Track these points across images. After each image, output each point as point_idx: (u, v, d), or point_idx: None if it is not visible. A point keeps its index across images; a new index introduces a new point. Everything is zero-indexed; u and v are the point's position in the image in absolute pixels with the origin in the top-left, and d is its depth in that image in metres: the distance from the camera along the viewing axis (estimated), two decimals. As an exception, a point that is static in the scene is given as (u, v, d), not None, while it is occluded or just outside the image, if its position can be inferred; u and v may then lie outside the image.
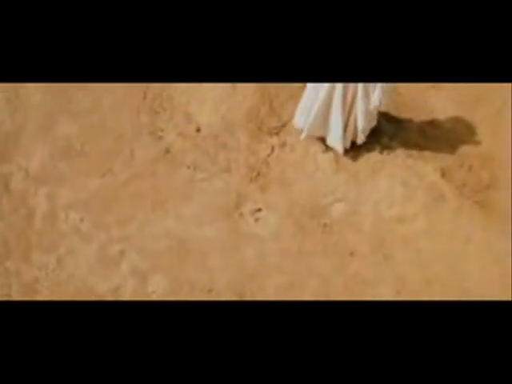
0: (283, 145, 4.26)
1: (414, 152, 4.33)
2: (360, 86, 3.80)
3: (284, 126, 4.28)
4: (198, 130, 4.40)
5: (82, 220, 4.23)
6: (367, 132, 4.09)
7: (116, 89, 4.60)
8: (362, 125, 3.94)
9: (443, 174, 4.29)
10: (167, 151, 4.34)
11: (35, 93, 4.71)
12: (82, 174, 4.38)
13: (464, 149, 4.43)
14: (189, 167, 4.27)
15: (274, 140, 4.27)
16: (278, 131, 4.28)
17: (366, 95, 3.82)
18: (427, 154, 4.38)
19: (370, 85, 3.81)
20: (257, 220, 4.12)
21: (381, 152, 4.25)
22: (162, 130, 4.42)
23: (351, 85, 3.81)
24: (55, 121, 4.59)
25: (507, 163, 4.40)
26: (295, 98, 4.29)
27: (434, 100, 4.58)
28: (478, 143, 4.45)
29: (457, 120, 4.52)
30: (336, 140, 4.05)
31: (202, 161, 4.29)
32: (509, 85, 4.62)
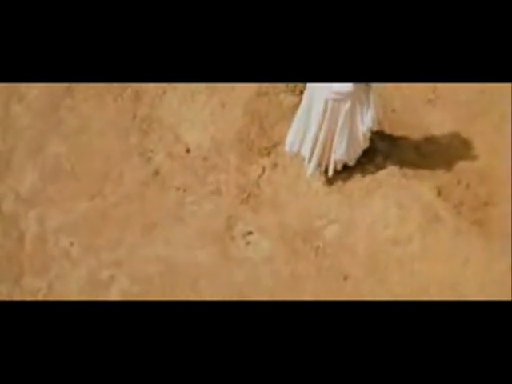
0: (274, 166, 4.16)
1: (409, 171, 4.22)
2: (350, 109, 3.66)
3: (275, 146, 4.18)
4: (188, 151, 4.31)
5: (71, 244, 4.20)
6: (359, 153, 3.97)
7: (105, 110, 4.54)
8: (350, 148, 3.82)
9: (439, 193, 4.17)
10: (156, 173, 4.26)
11: (26, 113, 4.67)
12: (71, 196, 4.33)
13: (461, 165, 4.31)
14: (178, 189, 4.20)
15: (265, 161, 4.17)
16: (268, 152, 4.18)
17: (359, 116, 3.69)
18: (423, 172, 4.26)
19: (363, 106, 3.68)
20: (248, 243, 4.04)
21: (375, 172, 4.14)
22: (152, 151, 4.35)
23: (343, 109, 3.66)
24: (45, 142, 4.54)
25: (506, 179, 4.27)
26: (286, 118, 4.20)
27: (431, 116, 4.45)
28: (475, 159, 4.33)
29: (453, 135, 4.40)
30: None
31: (191, 182, 4.21)
32: (508, 99, 4.51)
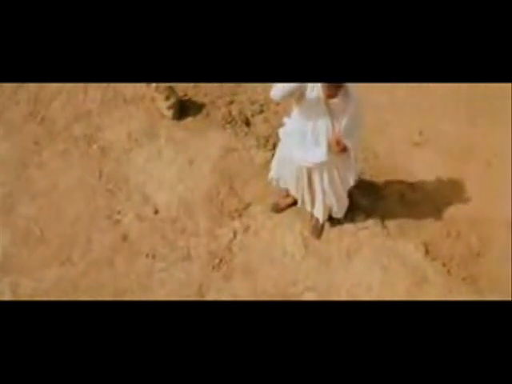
0: (246, 229, 3.88)
1: (394, 227, 3.90)
2: (327, 174, 3.37)
3: (246, 208, 3.90)
4: (156, 212, 4.06)
5: (44, 312, 4.00)
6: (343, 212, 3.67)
7: (72, 167, 4.32)
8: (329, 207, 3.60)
9: (427, 251, 3.86)
10: (125, 237, 4.05)
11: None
12: (42, 263, 4.17)
13: (450, 212, 3.99)
14: (147, 256, 3.98)
15: (237, 224, 3.89)
16: (240, 214, 3.90)
17: (338, 180, 3.40)
18: (409, 226, 3.93)
19: (342, 170, 3.38)
20: (221, 312, 3.77)
21: (355, 233, 3.83)
22: (119, 213, 4.12)
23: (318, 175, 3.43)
24: (15, 202, 4.37)
25: (498, 222, 3.92)
26: (257, 176, 3.91)
27: (417, 159, 4.11)
28: (465, 202, 4.00)
29: (442, 179, 4.08)
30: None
31: (160, 247, 3.99)
32: (500, 135, 4.17)
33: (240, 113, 4.29)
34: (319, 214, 3.71)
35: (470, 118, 4.29)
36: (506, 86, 4.28)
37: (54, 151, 4.47)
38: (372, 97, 4.33)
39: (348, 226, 3.82)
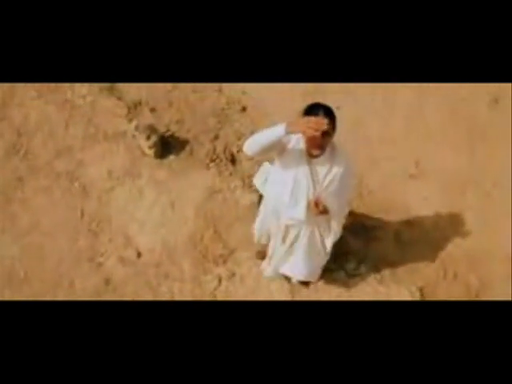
0: (231, 275, 3.71)
1: (388, 272, 3.69)
2: (307, 233, 3.13)
3: (231, 253, 3.71)
4: (139, 256, 3.91)
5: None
6: (319, 272, 3.45)
7: (54, 205, 4.18)
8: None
9: (422, 295, 3.64)
10: (107, 282, 3.89)
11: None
12: (25, 305, 4.02)
13: (448, 250, 3.81)
14: (130, 302, 3.80)
15: (221, 270, 3.72)
16: (224, 260, 3.72)
17: (319, 240, 3.16)
18: (404, 269, 3.74)
19: (324, 230, 3.14)
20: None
21: (346, 281, 3.62)
22: (102, 255, 3.97)
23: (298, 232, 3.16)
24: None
25: (498, 258, 3.72)
26: (242, 219, 3.72)
27: (413, 193, 3.89)
28: (464, 238, 3.80)
29: (439, 212, 3.87)
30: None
31: (144, 293, 3.84)
32: (500, 164, 3.98)
33: (225, 149, 4.09)
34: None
35: (469, 147, 4.06)
36: (506, 112, 4.03)
37: (36, 187, 4.32)
38: (364, 126, 4.10)
39: (338, 274, 3.62)
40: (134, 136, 4.05)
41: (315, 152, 2.77)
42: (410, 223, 3.86)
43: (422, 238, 3.83)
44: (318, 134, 2.54)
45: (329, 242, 3.11)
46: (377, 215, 3.85)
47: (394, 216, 3.86)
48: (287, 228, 3.10)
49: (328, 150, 2.78)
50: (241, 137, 4.14)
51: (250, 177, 3.90)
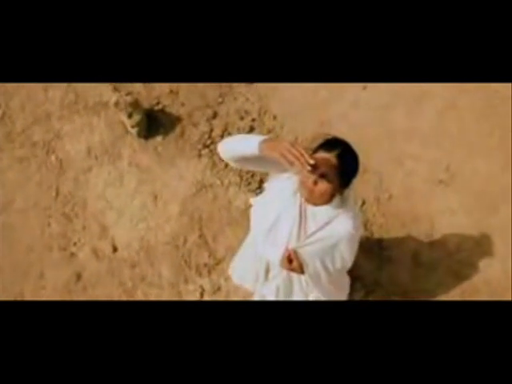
0: (216, 289, 3.14)
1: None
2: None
3: (218, 264, 3.12)
4: (115, 250, 3.37)
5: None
6: None
7: (29, 181, 3.69)
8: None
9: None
10: (79, 277, 3.41)
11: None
12: (-5, 296, 3.64)
13: (470, 277, 3.14)
14: (101, 303, 3.30)
15: (205, 281, 3.15)
16: (209, 270, 3.14)
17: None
18: (419, 298, 3.08)
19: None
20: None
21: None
22: (75, 244, 3.46)
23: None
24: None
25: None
26: (232, 225, 3.10)
27: (439, 203, 3.19)
28: (488, 264, 3.10)
29: (466, 230, 3.18)
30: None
31: (116, 295, 3.31)
32: None
33: (223, 131, 3.41)
34: None
35: (504, 154, 3.30)
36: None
37: (12, 157, 3.80)
38: (390, 116, 3.37)
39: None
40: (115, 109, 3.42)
41: (304, 197, 2.08)
42: (431, 242, 3.18)
43: (443, 262, 3.15)
44: (304, 170, 1.85)
45: (312, 297, 2.45)
46: (395, 229, 3.17)
47: (414, 231, 3.17)
48: (267, 266, 2.45)
49: (336, 200, 2.09)
50: (244, 117, 3.44)
51: (249, 172, 3.25)
